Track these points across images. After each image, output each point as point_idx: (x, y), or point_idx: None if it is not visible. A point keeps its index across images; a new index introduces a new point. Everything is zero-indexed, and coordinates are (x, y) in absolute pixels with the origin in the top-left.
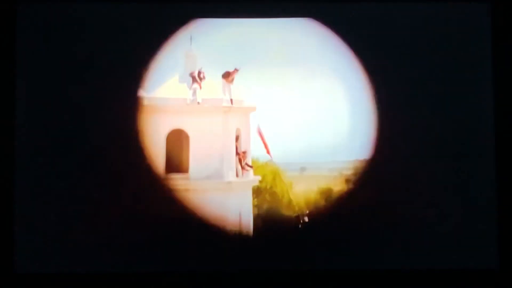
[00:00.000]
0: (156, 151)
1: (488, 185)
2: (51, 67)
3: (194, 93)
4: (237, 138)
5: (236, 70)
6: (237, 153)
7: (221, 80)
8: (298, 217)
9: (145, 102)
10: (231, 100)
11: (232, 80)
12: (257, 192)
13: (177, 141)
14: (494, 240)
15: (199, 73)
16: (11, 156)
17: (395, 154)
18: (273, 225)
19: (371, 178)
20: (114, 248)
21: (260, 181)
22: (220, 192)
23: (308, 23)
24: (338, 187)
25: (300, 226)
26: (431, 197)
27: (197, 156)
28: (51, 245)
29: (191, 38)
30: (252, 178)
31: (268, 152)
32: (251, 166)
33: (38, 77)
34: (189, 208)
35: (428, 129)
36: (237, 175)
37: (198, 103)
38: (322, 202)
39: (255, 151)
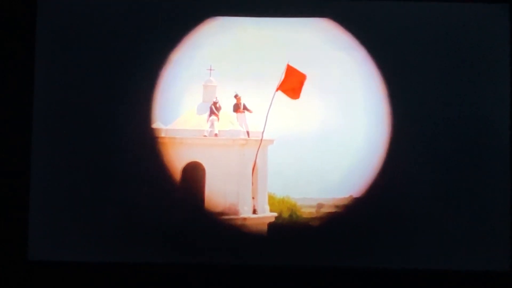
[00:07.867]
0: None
1: (501, 186)
2: (66, 66)
3: (212, 124)
4: (253, 171)
5: (237, 96)
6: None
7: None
8: None
9: (162, 134)
10: (248, 132)
11: (243, 108)
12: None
13: (193, 173)
14: (507, 242)
15: (215, 103)
16: (27, 146)
17: (408, 154)
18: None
19: (384, 178)
20: (128, 238)
21: (276, 218)
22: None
23: (325, 23)
24: None
25: None
26: (444, 197)
27: (212, 190)
28: (64, 233)
29: (210, 70)
30: (268, 215)
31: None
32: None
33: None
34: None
35: (443, 130)
36: (253, 212)
37: (216, 134)
38: None
39: (271, 187)
